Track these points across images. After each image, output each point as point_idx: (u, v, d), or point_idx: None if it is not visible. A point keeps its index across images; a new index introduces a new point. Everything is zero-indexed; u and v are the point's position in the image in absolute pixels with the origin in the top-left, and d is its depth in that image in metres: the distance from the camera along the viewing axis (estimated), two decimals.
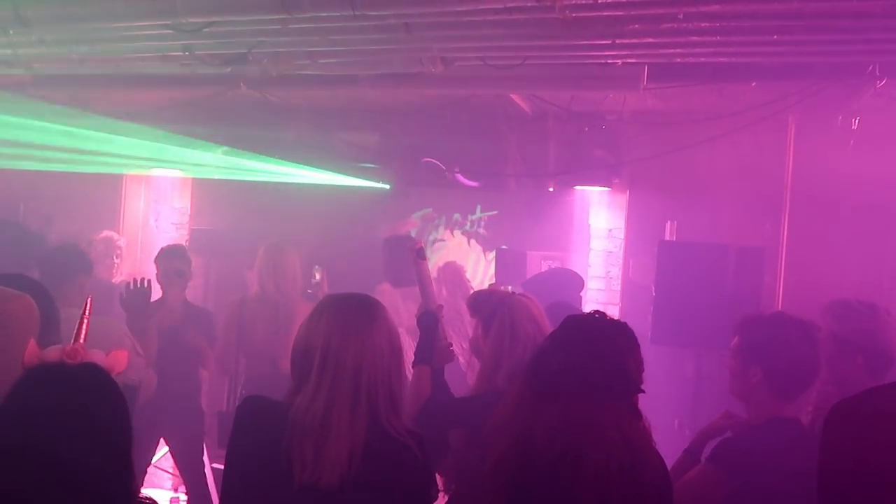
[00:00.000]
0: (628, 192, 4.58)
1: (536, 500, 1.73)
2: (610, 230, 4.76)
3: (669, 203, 4.25)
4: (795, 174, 4.06)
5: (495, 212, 5.30)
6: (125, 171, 5.53)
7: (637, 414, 1.88)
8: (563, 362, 1.84)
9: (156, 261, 3.90)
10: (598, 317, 1.96)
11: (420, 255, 2.62)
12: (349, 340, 1.73)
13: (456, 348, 2.73)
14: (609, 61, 3.05)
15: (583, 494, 1.67)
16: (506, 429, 1.88)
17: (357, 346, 1.73)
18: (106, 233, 4.26)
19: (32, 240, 3.33)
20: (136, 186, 5.81)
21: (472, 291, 3.04)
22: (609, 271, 4.73)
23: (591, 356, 1.83)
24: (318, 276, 4.31)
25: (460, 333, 4.14)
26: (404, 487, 1.75)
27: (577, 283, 3.94)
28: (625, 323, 1.99)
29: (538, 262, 4.62)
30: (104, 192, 5.48)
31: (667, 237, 4.04)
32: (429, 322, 2.49)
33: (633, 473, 1.74)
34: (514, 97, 4.05)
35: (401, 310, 4.04)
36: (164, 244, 5.64)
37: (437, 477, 2.54)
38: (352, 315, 1.78)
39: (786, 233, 4.08)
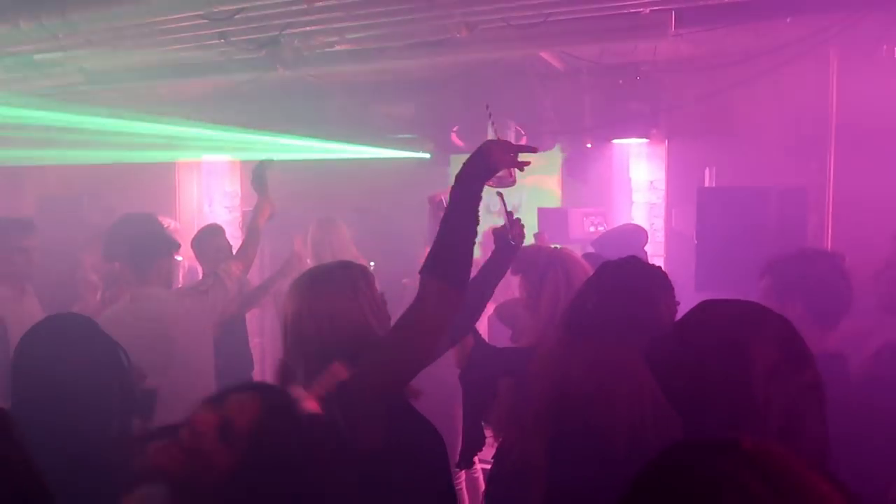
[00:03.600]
0: (667, 141, 4.53)
1: (576, 439, 1.82)
2: (651, 182, 4.73)
3: (709, 149, 4.19)
4: (840, 110, 3.94)
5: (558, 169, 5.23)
6: (178, 159, 5.77)
7: None
8: (598, 306, 1.92)
9: (196, 244, 3.95)
10: (633, 263, 2.02)
11: (439, 207, 2.63)
12: (290, 309, 1.78)
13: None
14: (634, 10, 3.03)
15: (616, 431, 1.75)
16: (545, 371, 1.97)
17: (295, 315, 1.75)
18: (160, 218, 4.49)
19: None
20: (188, 173, 6.06)
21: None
22: (653, 223, 4.72)
23: (624, 300, 1.90)
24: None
25: (505, 295, 4.21)
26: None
27: (643, 237, 3.97)
28: (659, 268, 2.04)
29: (580, 219, 4.64)
30: (159, 180, 5.74)
31: (707, 184, 4.00)
32: None
33: (667, 411, 1.81)
34: (545, 55, 4.04)
35: None
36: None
37: (484, 426, 2.64)
38: (299, 284, 1.82)
39: (832, 171, 3.99)
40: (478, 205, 1.79)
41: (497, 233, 2.35)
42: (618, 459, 1.74)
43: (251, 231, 3.34)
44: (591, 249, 3.81)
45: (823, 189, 3.96)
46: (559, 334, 1.98)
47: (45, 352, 1.62)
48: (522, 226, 2.35)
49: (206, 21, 2.84)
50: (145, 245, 2.88)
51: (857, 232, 3.66)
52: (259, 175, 3.39)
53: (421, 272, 1.73)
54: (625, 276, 1.94)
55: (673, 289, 1.98)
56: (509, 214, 2.35)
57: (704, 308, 1.32)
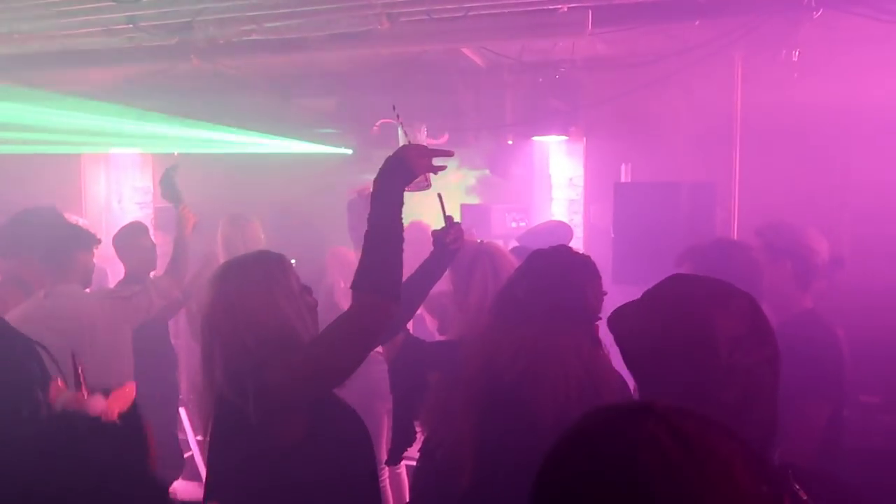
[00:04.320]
0: (585, 139, 4.66)
1: (503, 417, 1.84)
2: (570, 178, 4.85)
3: (625, 146, 4.33)
4: (744, 109, 4.17)
5: (485, 171, 5.27)
6: (83, 151, 5.46)
7: (596, 341, 1.99)
8: (527, 291, 1.95)
9: (118, 242, 3.75)
10: (562, 250, 2.07)
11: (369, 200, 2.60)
12: (205, 305, 1.77)
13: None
14: (553, 7, 3.09)
15: (543, 410, 1.78)
16: (473, 358, 1.98)
17: (209, 310, 1.75)
18: (66, 215, 4.23)
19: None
20: (95, 167, 5.74)
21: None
22: (572, 219, 4.83)
23: (553, 286, 1.94)
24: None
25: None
26: None
27: (568, 233, 4.06)
28: (587, 256, 2.09)
29: (502, 215, 4.71)
30: (63, 174, 5.42)
31: (623, 180, 4.13)
32: None
33: (592, 392, 1.85)
34: (467, 52, 4.07)
35: None
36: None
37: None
38: (213, 278, 1.80)
39: (737, 166, 4.21)
40: (401, 212, 1.79)
41: (435, 235, 2.35)
42: (543, 444, 1.77)
43: (179, 244, 3.26)
44: (516, 244, 3.87)
45: (730, 184, 4.16)
46: (488, 321, 1.99)
47: None
48: (461, 228, 2.36)
49: (112, 3, 2.70)
50: (63, 238, 2.71)
51: (759, 223, 3.87)
52: (168, 184, 3.27)
53: (352, 287, 1.73)
54: (554, 263, 1.99)
55: (600, 277, 2.04)
56: (448, 218, 2.37)
57: (674, 280, 1.34)
